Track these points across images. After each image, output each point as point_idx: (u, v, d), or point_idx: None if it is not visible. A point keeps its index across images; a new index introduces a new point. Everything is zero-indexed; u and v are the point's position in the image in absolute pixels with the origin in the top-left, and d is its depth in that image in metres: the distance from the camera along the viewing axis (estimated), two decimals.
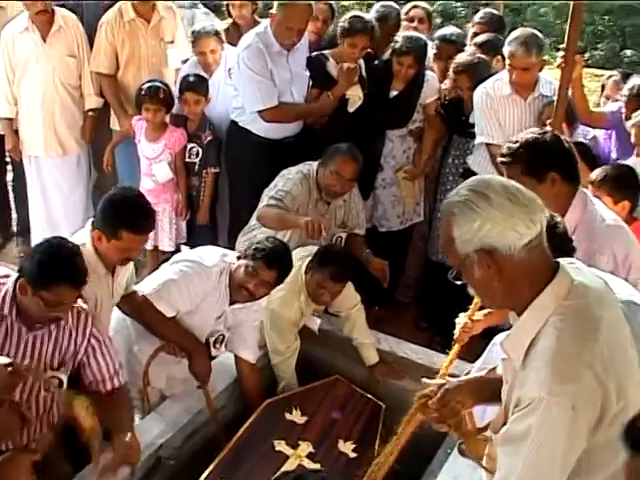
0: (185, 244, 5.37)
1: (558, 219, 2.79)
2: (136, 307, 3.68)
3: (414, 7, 5.76)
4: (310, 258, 4.08)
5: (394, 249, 5.21)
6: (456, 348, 3.39)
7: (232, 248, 4.75)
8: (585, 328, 1.90)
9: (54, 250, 2.96)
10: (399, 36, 5.09)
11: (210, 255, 3.80)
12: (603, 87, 5.72)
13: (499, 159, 3.11)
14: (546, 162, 3.03)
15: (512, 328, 2.02)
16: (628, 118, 4.35)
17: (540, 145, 3.05)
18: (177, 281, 3.66)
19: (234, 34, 5.52)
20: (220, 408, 3.88)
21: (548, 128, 4.14)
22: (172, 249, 5.23)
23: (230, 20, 5.76)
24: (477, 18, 5.67)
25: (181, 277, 3.67)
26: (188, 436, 3.65)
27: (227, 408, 3.96)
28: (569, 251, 2.71)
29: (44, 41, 5.20)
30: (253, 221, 4.60)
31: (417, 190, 5.31)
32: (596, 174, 3.78)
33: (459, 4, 12.79)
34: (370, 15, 5.25)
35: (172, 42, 5.39)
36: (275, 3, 4.68)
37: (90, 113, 5.42)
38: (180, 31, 5.51)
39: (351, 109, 4.95)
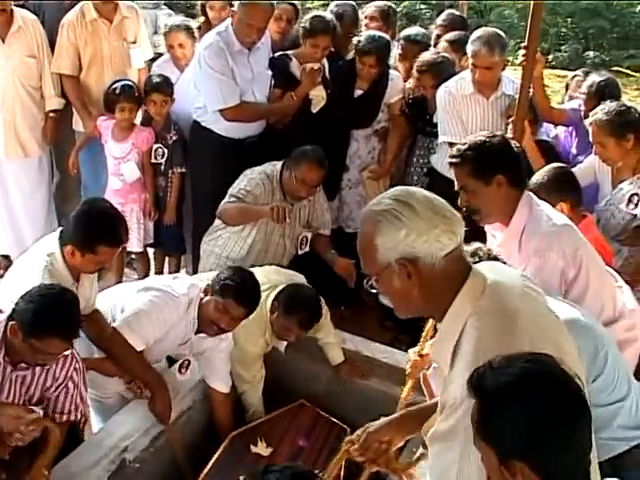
0: (152, 245, 5.37)
1: (480, 251, 2.84)
2: (104, 338, 3.61)
3: (371, 7, 5.81)
4: (275, 294, 3.94)
5: None
6: (410, 384, 3.30)
7: (197, 248, 4.77)
8: (502, 323, 1.90)
9: (52, 301, 2.92)
10: (361, 35, 5.12)
11: (179, 284, 3.72)
12: (567, 87, 5.77)
13: (447, 159, 3.18)
14: (493, 165, 3.10)
15: (436, 336, 2.03)
16: (587, 116, 4.41)
17: (488, 148, 3.12)
18: (148, 312, 3.59)
19: (206, 32, 5.47)
20: (187, 409, 3.86)
21: (510, 128, 4.22)
22: (140, 249, 5.24)
23: (202, 19, 5.75)
24: (440, 20, 5.73)
25: (151, 308, 3.60)
26: (153, 439, 3.61)
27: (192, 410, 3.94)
28: None
29: (3, 42, 5.13)
30: (218, 221, 4.60)
31: (382, 190, 5.13)
32: (531, 181, 3.83)
33: (423, 6, 12.86)
34: (328, 15, 5.26)
35: (135, 42, 5.35)
36: (236, 2, 4.67)
37: (51, 114, 5.35)
38: (143, 31, 5.48)
39: (315, 109, 4.95)
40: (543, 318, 2.00)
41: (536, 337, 1.89)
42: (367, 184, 5.25)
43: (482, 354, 1.80)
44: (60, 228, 3.49)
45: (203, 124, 4.91)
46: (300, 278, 4.18)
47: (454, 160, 3.14)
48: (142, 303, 3.62)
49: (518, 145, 3.37)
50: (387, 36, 5.18)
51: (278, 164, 4.54)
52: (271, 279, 4.05)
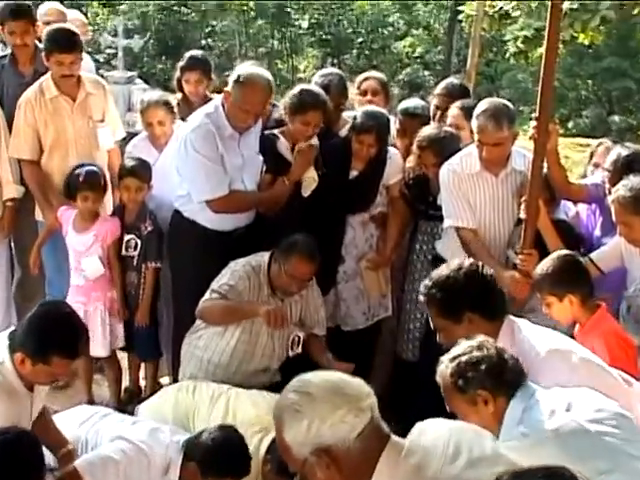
0: (122, 349, 5.30)
1: (506, 354, 2.95)
2: (61, 460, 3.59)
3: (366, 79, 5.83)
4: (269, 443, 3.84)
5: (360, 349, 5.13)
6: None
7: (178, 352, 4.74)
8: None
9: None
10: (357, 111, 5.13)
11: (159, 442, 3.67)
12: (591, 156, 5.77)
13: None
14: (460, 303, 3.28)
15: None
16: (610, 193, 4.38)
17: (452, 285, 3.30)
18: (117, 462, 3.52)
19: (185, 110, 5.56)
20: None
21: (522, 208, 4.20)
22: (106, 354, 5.14)
23: (179, 95, 5.83)
24: (438, 89, 5.72)
25: (122, 459, 3.54)
26: None
27: None
28: (521, 376, 2.95)
29: None
30: (199, 321, 4.57)
31: (383, 281, 5.28)
32: (536, 271, 3.91)
33: (427, 72, 13.06)
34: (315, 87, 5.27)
35: (102, 121, 5.34)
36: (230, 80, 4.66)
37: (9, 203, 5.32)
38: (111, 108, 5.48)
39: (306, 193, 4.93)
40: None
41: None
42: (365, 275, 5.20)
43: None
44: (10, 330, 3.44)
45: (186, 214, 4.89)
46: None
47: (422, 299, 3.37)
48: (113, 451, 3.55)
49: (488, 273, 3.46)
50: (386, 112, 5.20)
51: (265, 255, 4.53)
52: (263, 420, 3.93)
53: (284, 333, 4.57)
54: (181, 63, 5.79)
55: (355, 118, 5.03)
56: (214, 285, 4.45)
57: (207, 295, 4.45)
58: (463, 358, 2.94)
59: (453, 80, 6.07)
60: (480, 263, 3.52)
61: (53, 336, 3.25)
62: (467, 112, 5.06)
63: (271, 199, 4.92)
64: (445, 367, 2.99)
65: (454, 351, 3.00)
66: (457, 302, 3.26)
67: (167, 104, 5.31)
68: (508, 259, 4.63)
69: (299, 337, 4.64)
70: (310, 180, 4.92)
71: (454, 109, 5.23)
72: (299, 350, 4.64)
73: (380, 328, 5.44)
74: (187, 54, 5.88)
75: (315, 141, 4.94)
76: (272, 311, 4.15)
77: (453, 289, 3.29)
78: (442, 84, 5.81)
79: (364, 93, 5.72)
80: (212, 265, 4.67)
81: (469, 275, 3.33)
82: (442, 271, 3.37)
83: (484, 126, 4.44)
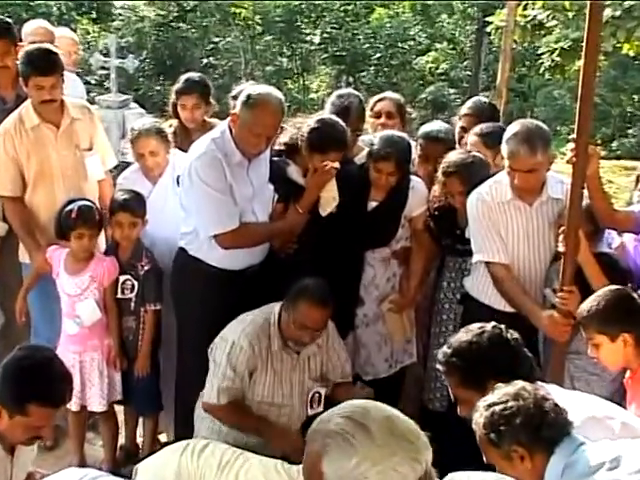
0: (121, 402, 5.30)
1: (541, 392, 2.97)
2: None
3: (380, 100, 5.90)
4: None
5: (383, 400, 5.03)
6: None
7: (181, 406, 4.86)
8: None
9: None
10: (375, 136, 5.15)
11: None
12: (638, 180, 5.77)
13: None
14: (484, 371, 3.28)
15: None
16: None
17: (474, 352, 3.32)
18: None
19: (183, 138, 5.62)
20: None
21: (561, 241, 4.19)
22: (104, 408, 5.14)
23: (175, 121, 5.86)
24: (464, 109, 5.76)
25: None
26: None
27: None
28: (565, 428, 2.92)
29: None
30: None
31: (407, 324, 5.31)
32: (582, 308, 3.87)
33: (452, 90, 13.09)
34: (328, 111, 5.33)
35: (90, 149, 5.34)
36: (238, 102, 4.67)
37: None
38: (100, 134, 5.48)
39: (324, 212, 4.93)
40: None
41: None
42: (388, 318, 5.23)
43: None
44: None
45: (191, 252, 4.89)
46: None
47: (441, 368, 3.37)
48: None
49: (513, 337, 3.45)
50: (406, 136, 5.21)
51: (277, 305, 4.55)
52: None
53: (303, 390, 4.61)
54: (177, 86, 5.84)
55: (372, 144, 5.06)
56: (217, 366, 4.48)
57: (210, 383, 4.50)
58: (497, 408, 2.92)
59: (481, 98, 6.13)
60: (503, 327, 3.49)
61: (30, 381, 3.20)
62: (486, 139, 5.14)
63: (284, 229, 4.94)
64: (479, 415, 2.98)
65: (490, 398, 2.99)
66: (481, 371, 3.27)
67: (160, 132, 5.28)
68: (545, 298, 4.63)
69: (320, 394, 4.66)
70: (329, 198, 4.91)
71: (472, 136, 5.26)
72: (320, 408, 4.62)
73: (404, 376, 5.46)
74: (183, 77, 5.92)
75: (336, 164, 4.90)
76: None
77: (476, 357, 3.30)
78: (468, 103, 5.86)
79: (378, 115, 5.79)
80: (222, 309, 4.70)
81: (493, 341, 3.33)
82: (462, 337, 3.37)
83: (516, 151, 4.41)
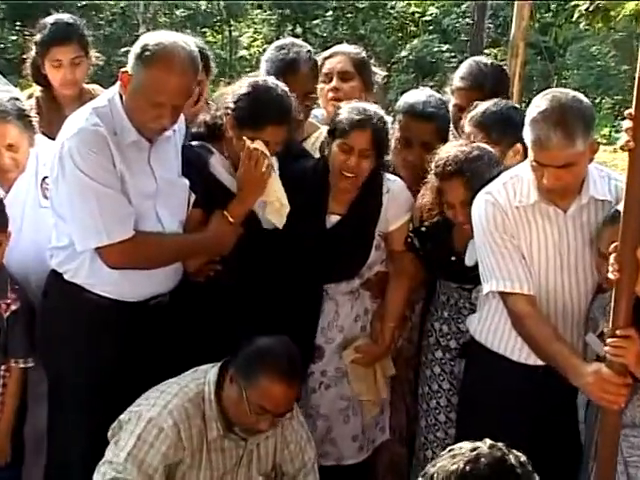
0: None
1: None
2: None
3: (330, 56, 5.91)
4: None
5: None
6: None
7: None
8: None
9: None
10: (340, 111, 5.12)
11: None
12: None
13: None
14: None
15: None
16: None
17: None
18: None
19: (51, 116, 5.57)
20: None
21: (612, 264, 4.18)
22: None
23: (38, 89, 5.85)
24: (456, 79, 5.76)
25: None
26: None
27: None
28: None
29: None
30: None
31: (380, 382, 5.30)
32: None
33: (445, 47, 13.13)
34: (264, 70, 5.38)
35: None
36: (131, 56, 4.57)
37: None
38: None
39: (268, 223, 4.95)
40: None
41: None
42: (353, 375, 5.23)
43: None
44: None
45: (68, 277, 4.81)
46: None
47: None
48: None
49: (520, 460, 3.36)
50: (380, 109, 5.19)
51: (211, 371, 4.50)
52: None
53: None
54: (40, 35, 5.79)
55: (334, 123, 5.05)
56: (114, 454, 4.35)
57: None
58: None
59: (481, 60, 6.03)
60: (505, 448, 3.51)
61: None
62: (489, 128, 5.13)
63: (206, 245, 4.92)
64: None
65: None
66: None
67: (21, 114, 5.18)
68: (588, 346, 4.60)
69: None
70: (275, 205, 4.90)
71: (467, 125, 5.27)
72: None
73: (375, 462, 5.50)
74: (48, 19, 5.88)
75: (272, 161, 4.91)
76: None
77: None
78: (463, 67, 5.84)
79: (328, 78, 5.80)
80: (111, 361, 4.70)
81: (494, 469, 3.26)
82: (447, 466, 3.28)
83: (545, 138, 4.31)
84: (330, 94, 5.67)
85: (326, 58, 5.89)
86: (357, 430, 5.30)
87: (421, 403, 5.28)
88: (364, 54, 5.99)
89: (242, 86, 4.92)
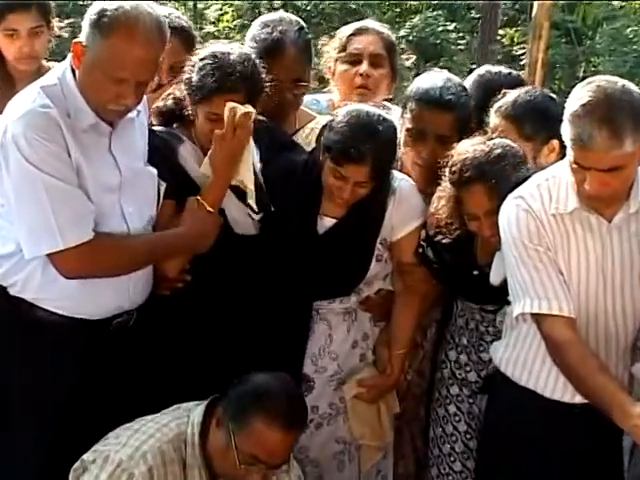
0: None
1: None
2: None
3: (359, 32, 5.88)
4: None
5: None
6: None
7: None
8: None
9: None
10: (339, 106, 5.12)
11: None
12: None
13: None
14: None
15: None
16: None
17: None
18: None
19: (1, 94, 5.55)
20: None
21: None
22: None
23: None
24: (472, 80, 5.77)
25: None
26: None
27: None
28: None
29: None
30: None
31: (385, 422, 5.30)
32: None
33: (451, 27, 13.12)
34: (248, 46, 5.30)
35: None
36: (85, 23, 4.50)
37: None
38: None
39: (242, 227, 4.95)
40: None
41: None
42: (354, 414, 5.22)
43: None
44: None
45: (14, 292, 4.76)
46: None
47: None
48: None
49: None
50: (393, 114, 5.18)
51: (196, 411, 4.51)
52: None
53: None
54: None
55: (332, 120, 4.96)
56: None
57: None
58: None
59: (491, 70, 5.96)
60: None
61: None
62: (518, 119, 5.10)
63: (185, 242, 4.91)
64: None
65: None
66: None
67: None
68: (634, 379, 4.61)
69: None
70: (246, 190, 4.91)
71: (494, 117, 5.25)
72: None
73: None
74: None
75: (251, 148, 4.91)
76: None
77: None
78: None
79: (356, 60, 5.77)
80: (72, 389, 4.68)
81: None
82: None
83: (589, 137, 4.26)
84: (358, 80, 5.63)
85: (353, 34, 5.86)
86: (353, 478, 5.29)
87: (432, 448, 5.27)
88: (393, 37, 5.98)
89: (200, 57, 4.92)
